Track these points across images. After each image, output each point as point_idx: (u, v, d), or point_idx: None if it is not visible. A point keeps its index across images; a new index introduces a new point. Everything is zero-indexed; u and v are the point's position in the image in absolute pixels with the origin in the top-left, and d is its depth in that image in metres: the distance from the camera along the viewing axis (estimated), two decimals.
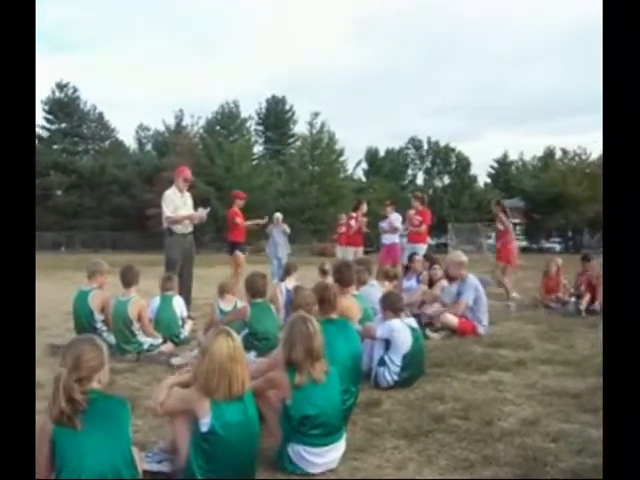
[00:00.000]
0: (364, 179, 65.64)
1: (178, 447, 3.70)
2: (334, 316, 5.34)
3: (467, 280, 8.74)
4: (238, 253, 12.92)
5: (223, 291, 7.86)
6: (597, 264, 11.46)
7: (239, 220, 13.16)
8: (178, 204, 9.80)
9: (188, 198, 10.10)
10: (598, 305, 10.74)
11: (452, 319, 8.43)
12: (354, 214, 14.95)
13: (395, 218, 14.15)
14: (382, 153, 71.93)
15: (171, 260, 9.67)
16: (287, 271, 10.05)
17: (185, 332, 8.21)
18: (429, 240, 14.21)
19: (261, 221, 14.69)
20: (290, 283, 9.19)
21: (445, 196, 63.18)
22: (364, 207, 15.15)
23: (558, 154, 59.42)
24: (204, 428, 3.53)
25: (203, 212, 10.05)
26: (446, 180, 69.64)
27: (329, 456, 4.01)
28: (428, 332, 8.20)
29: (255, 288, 6.88)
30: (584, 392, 5.73)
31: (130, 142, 61.22)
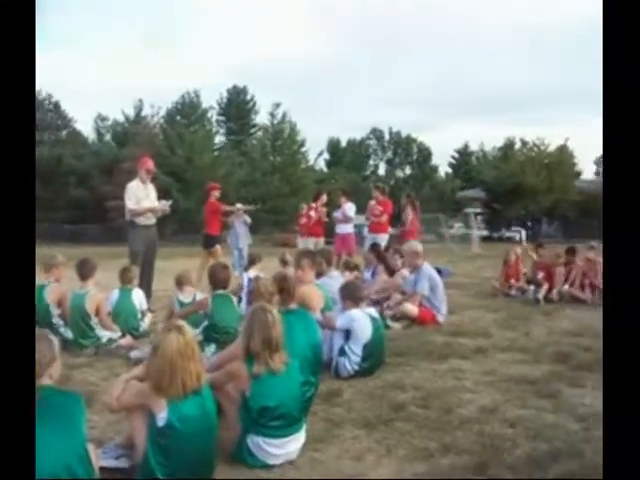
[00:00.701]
0: (326, 169, 65.50)
1: (135, 442, 3.65)
2: (293, 306, 5.33)
3: (422, 270, 8.79)
4: (218, 247, 12.92)
5: (181, 283, 7.81)
6: (552, 253, 11.65)
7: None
8: (141, 196, 9.70)
9: (151, 190, 9.99)
10: (555, 293, 10.91)
11: (411, 309, 8.47)
12: (314, 204, 14.90)
13: (349, 208, 14.14)
14: (344, 144, 71.90)
15: (134, 252, 9.58)
16: (251, 261, 10.02)
17: (145, 325, 8.12)
18: (390, 230, 14.23)
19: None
20: (253, 273, 9.15)
21: (406, 186, 63.36)
22: (324, 197, 15.08)
23: (517, 145, 59.97)
24: (161, 423, 3.48)
25: (166, 204, 9.97)
26: (407, 170, 69.95)
27: (289, 447, 4.00)
28: (389, 321, 8.23)
29: (217, 279, 6.82)
30: (540, 378, 5.84)
31: (88, 132, 60.23)
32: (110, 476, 3.68)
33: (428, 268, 8.95)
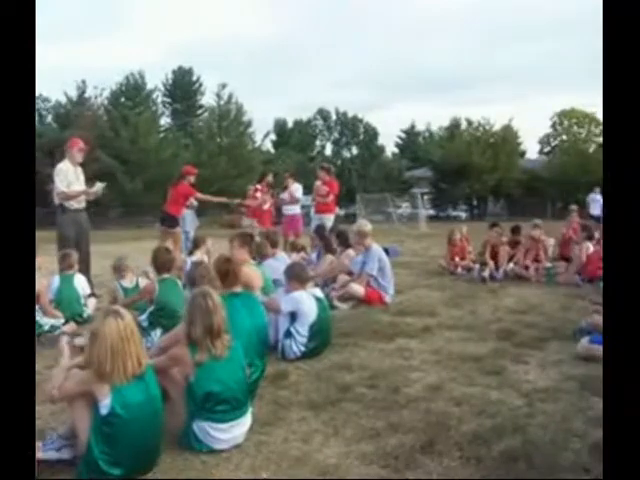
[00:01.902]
0: (273, 150, 65.18)
1: (78, 432, 3.57)
2: (238, 289, 5.27)
3: (371, 250, 8.81)
4: (178, 229, 12.59)
5: (120, 270, 7.68)
6: (499, 232, 11.79)
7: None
8: (71, 179, 9.36)
9: (80, 173, 9.66)
10: (501, 272, 11.07)
11: (358, 289, 8.49)
12: (259, 186, 14.76)
13: (295, 189, 14.06)
14: (290, 124, 71.63)
15: (64, 238, 9.26)
16: (196, 244, 9.88)
17: (89, 310, 7.97)
18: (337, 210, 14.22)
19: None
20: (197, 257, 9.04)
21: (353, 167, 63.52)
22: (269, 178, 14.98)
23: (463, 125, 60.59)
24: (104, 411, 3.41)
25: (100, 187, 9.60)
26: (354, 151, 70.03)
27: (235, 431, 3.96)
28: (336, 302, 8.23)
29: (161, 263, 6.71)
30: (485, 356, 5.92)
31: None
32: (52, 468, 3.60)
33: (377, 249, 8.97)
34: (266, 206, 14.50)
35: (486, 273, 10.87)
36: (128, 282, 7.49)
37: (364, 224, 9.41)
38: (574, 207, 15.75)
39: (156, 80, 62.98)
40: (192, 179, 13.02)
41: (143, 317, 6.41)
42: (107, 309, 3.78)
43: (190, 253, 10.09)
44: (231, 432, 3.94)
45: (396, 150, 73.28)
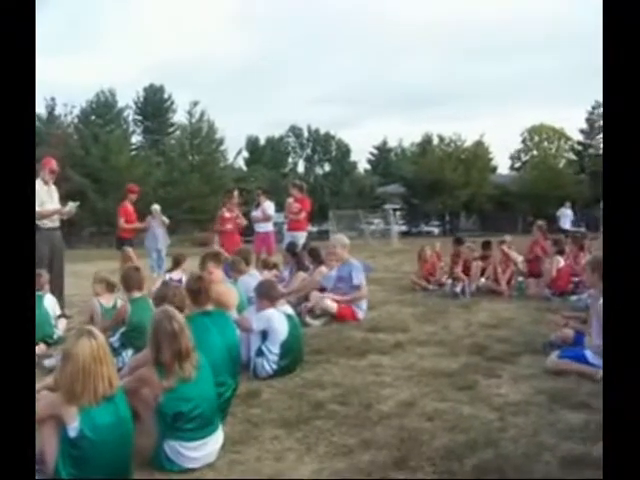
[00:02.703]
0: (245, 168, 65.17)
1: (45, 455, 3.50)
2: (209, 307, 5.24)
3: (352, 263, 8.90)
4: (127, 248, 12.48)
5: (103, 287, 7.56)
6: (469, 247, 11.88)
7: (122, 222, 12.68)
8: (44, 198, 9.29)
9: (54, 191, 9.61)
10: (473, 287, 11.13)
11: (331, 304, 8.48)
12: (225, 208, 14.48)
13: (267, 206, 14.01)
14: (262, 142, 71.69)
15: (38, 257, 9.17)
16: (176, 262, 9.88)
17: (59, 331, 7.88)
18: (310, 227, 14.21)
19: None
20: (177, 274, 9.02)
21: (326, 183, 63.74)
22: (235, 196, 14.74)
23: (435, 141, 61.14)
24: (72, 433, 3.37)
25: (73, 206, 9.55)
26: (327, 167, 70.27)
27: (206, 449, 3.94)
28: (308, 319, 8.22)
29: (131, 283, 6.65)
30: (457, 371, 5.94)
31: None
32: None
33: (357, 261, 9.05)
34: (229, 226, 14.15)
35: (458, 288, 10.92)
36: (106, 301, 7.36)
37: (342, 238, 9.50)
38: (540, 223, 15.77)
39: (127, 98, 63.16)
40: (134, 197, 12.96)
41: (115, 338, 6.36)
42: (80, 329, 3.73)
43: (170, 270, 10.05)
44: (202, 450, 3.91)
45: (368, 167, 73.68)
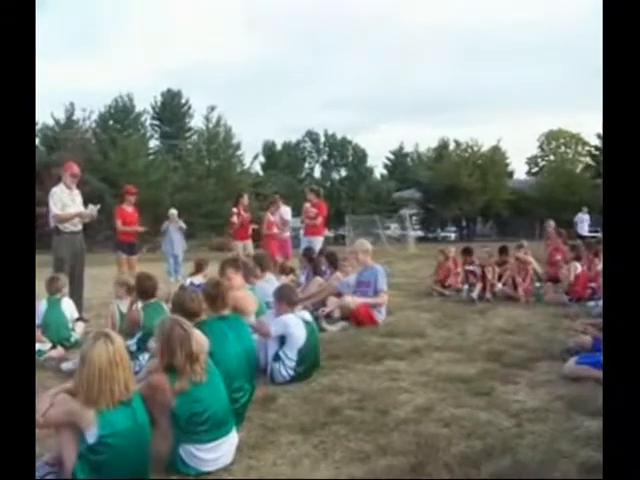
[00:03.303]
0: (261, 173, 65.21)
1: (64, 459, 3.53)
2: (226, 312, 5.26)
3: (375, 267, 8.99)
4: (120, 254, 12.43)
5: (120, 291, 7.59)
6: (485, 253, 11.84)
7: (119, 224, 12.63)
8: (66, 201, 9.39)
9: (77, 195, 9.69)
10: (489, 293, 11.10)
11: (351, 301, 8.50)
12: (235, 209, 14.56)
13: (285, 211, 14.06)
14: (279, 146, 71.74)
15: (59, 260, 9.29)
16: (198, 267, 9.95)
17: (77, 335, 7.92)
18: (326, 232, 14.23)
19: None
20: (198, 279, 9.08)
21: (342, 188, 63.68)
22: (245, 200, 14.78)
23: (452, 146, 61.00)
24: (91, 440, 3.38)
25: (94, 209, 9.61)
26: (343, 172, 70.15)
27: (221, 450, 3.95)
28: (324, 324, 8.23)
29: (144, 290, 6.69)
30: (474, 377, 5.91)
31: None
32: None
33: (380, 266, 9.08)
34: (275, 230, 14.20)
35: (475, 294, 10.89)
36: (126, 306, 7.38)
37: (365, 242, 9.52)
38: (552, 223, 15.71)
39: (145, 103, 63.40)
40: (132, 199, 12.90)
41: (132, 342, 6.39)
42: (98, 332, 3.75)
43: (191, 275, 10.11)
44: (217, 451, 3.93)
45: (384, 171, 73.53)
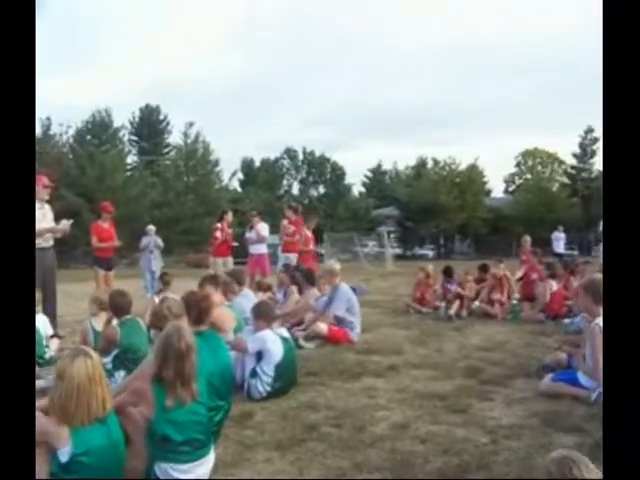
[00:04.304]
0: (240, 189, 65.27)
1: None
2: (204, 328, 5.23)
3: (339, 289, 8.84)
4: (97, 269, 12.35)
5: (94, 309, 7.49)
6: (466, 271, 11.92)
7: (94, 240, 12.57)
8: (37, 216, 9.24)
9: (48, 211, 9.49)
10: (465, 310, 11.16)
11: (323, 327, 8.48)
12: (219, 225, 14.61)
13: (262, 228, 14.04)
14: (257, 163, 71.89)
15: None
16: (165, 283, 9.85)
17: (51, 352, 7.82)
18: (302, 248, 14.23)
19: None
20: (166, 295, 8.99)
21: (320, 205, 63.79)
22: (229, 217, 14.85)
23: (430, 164, 61.38)
24: (64, 458, 3.33)
25: (67, 224, 9.45)
26: (321, 190, 70.36)
27: (198, 471, 3.90)
28: (302, 341, 8.22)
29: (118, 307, 6.59)
30: (451, 394, 5.94)
31: None
32: None
33: (345, 288, 9.03)
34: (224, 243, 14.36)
35: (452, 311, 10.94)
36: (101, 321, 7.26)
37: (333, 264, 9.49)
38: (528, 239, 15.82)
39: (123, 118, 63.08)
40: (108, 216, 12.85)
41: (107, 359, 6.32)
42: (76, 349, 3.71)
43: (159, 292, 10.02)
44: (194, 472, 3.87)
45: (363, 189, 73.78)
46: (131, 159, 61.68)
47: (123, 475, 3.66)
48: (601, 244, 19.46)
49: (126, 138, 62.17)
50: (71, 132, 53.66)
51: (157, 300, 8.83)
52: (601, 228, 18.97)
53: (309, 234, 13.95)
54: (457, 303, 11.19)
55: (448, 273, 12.10)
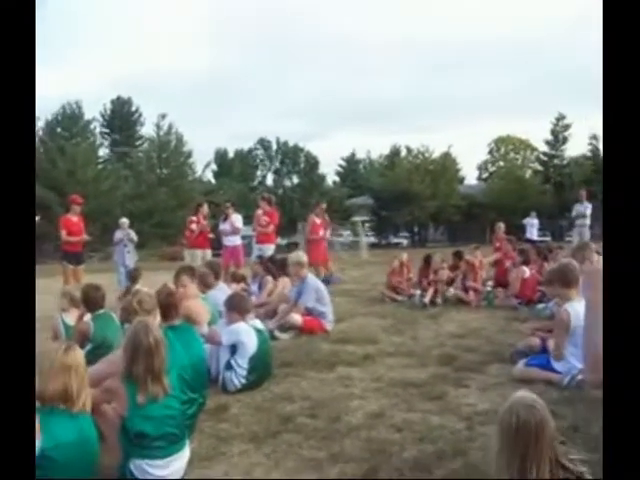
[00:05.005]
0: (213, 181, 64.97)
1: None
2: (176, 322, 5.19)
3: (307, 281, 8.80)
4: (65, 264, 12.22)
5: (64, 303, 7.40)
6: (439, 260, 11.94)
7: (63, 234, 12.42)
8: None
9: None
10: (440, 297, 11.20)
11: (297, 319, 8.45)
12: (194, 217, 14.52)
13: (236, 219, 13.98)
14: (231, 154, 71.62)
15: None
16: (133, 278, 9.74)
17: None
18: (279, 240, 14.20)
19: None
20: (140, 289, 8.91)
21: (295, 196, 63.77)
22: (204, 210, 14.77)
23: (403, 152, 61.44)
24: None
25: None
26: (295, 180, 70.33)
27: (173, 466, 3.87)
28: (276, 332, 8.19)
29: (91, 301, 6.52)
30: (426, 381, 5.96)
31: None
32: None
33: (313, 279, 9.00)
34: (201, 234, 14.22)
35: (426, 299, 10.97)
36: (72, 317, 7.17)
37: (300, 255, 9.43)
38: (501, 226, 15.80)
39: (94, 110, 62.31)
40: (78, 209, 12.70)
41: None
42: (68, 344, 3.67)
43: (127, 289, 9.92)
44: (169, 467, 3.85)
45: (337, 179, 73.85)
46: (103, 152, 61.25)
47: (96, 473, 3.61)
48: (574, 229, 19.61)
49: (98, 130, 61.62)
50: (40, 124, 53.03)
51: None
52: (573, 213, 19.09)
53: (317, 221, 13.73)
54: (431, 290, 11.22)
55: (428, 261, 12.09)
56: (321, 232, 13.47)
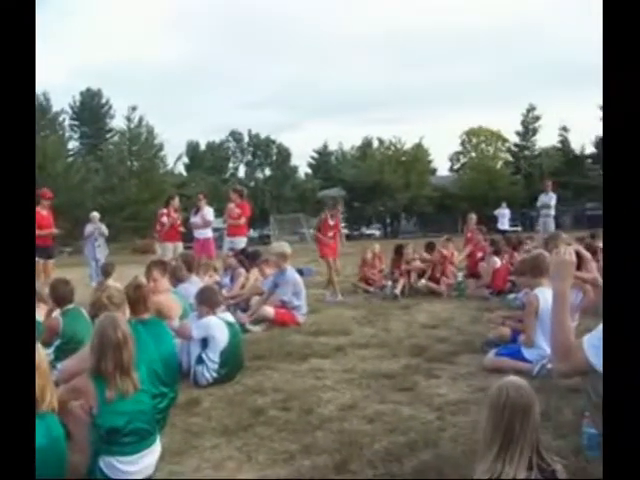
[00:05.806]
0: (185, 173, 64.63)
1: None
2: (146, 316, 5.15)
3: (286, 274, 8.78)
4: (36, 259, 12.09)
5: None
6: (410, 251, 11.99)
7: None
8: None
9: None
10: (410, 287, 11.27)
11: (269, 311, 8.44)
12: (165, 210, 14.40)
13: (207, 212, 13.91)
14: (203, 147, 71.26)
15: None
16: (107, 273, 9.65)
17: None
18: (250, 232, 14.14)
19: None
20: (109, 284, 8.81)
21: (267, 188, 63.68)
22: (175, 203, 14.63)
23: (375, 144, 61.63)
24: None
25: None
26: (267, 172, 70.21)
27: (144, 462, 3.82)
28: (248, 325, 8.17)
29: (60, 296, 6.42)
30: (398, 372, 5.98)
31: None
32: None
33: (292, 273, 8.98)
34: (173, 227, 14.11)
35: (398, 290, 11.01)
36: (39, 314, 7.05)
37: (284, 246, 9.39)
38: (473, 217, 15.72)
39: (63, 102, 61.61)
40: (47, 204, 12.59)
41: (49, 351, 6.16)
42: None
43: (100, 284, 9.82)
44: (140, 463, 3.79)
45: (309, 170, 73.79)
46: (72, 144, 60.67)
47: (66, 473, 3.56)
48: (539, 219, 19.77)
49: (67, 123, 61.01)
50: None
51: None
52: (538, 203, 19.20)
53: (330, 222, 13.32)
54: (402, 281, 11.27)
55: (400, 252, 12.13)
56: (330, 234, 13.08)
